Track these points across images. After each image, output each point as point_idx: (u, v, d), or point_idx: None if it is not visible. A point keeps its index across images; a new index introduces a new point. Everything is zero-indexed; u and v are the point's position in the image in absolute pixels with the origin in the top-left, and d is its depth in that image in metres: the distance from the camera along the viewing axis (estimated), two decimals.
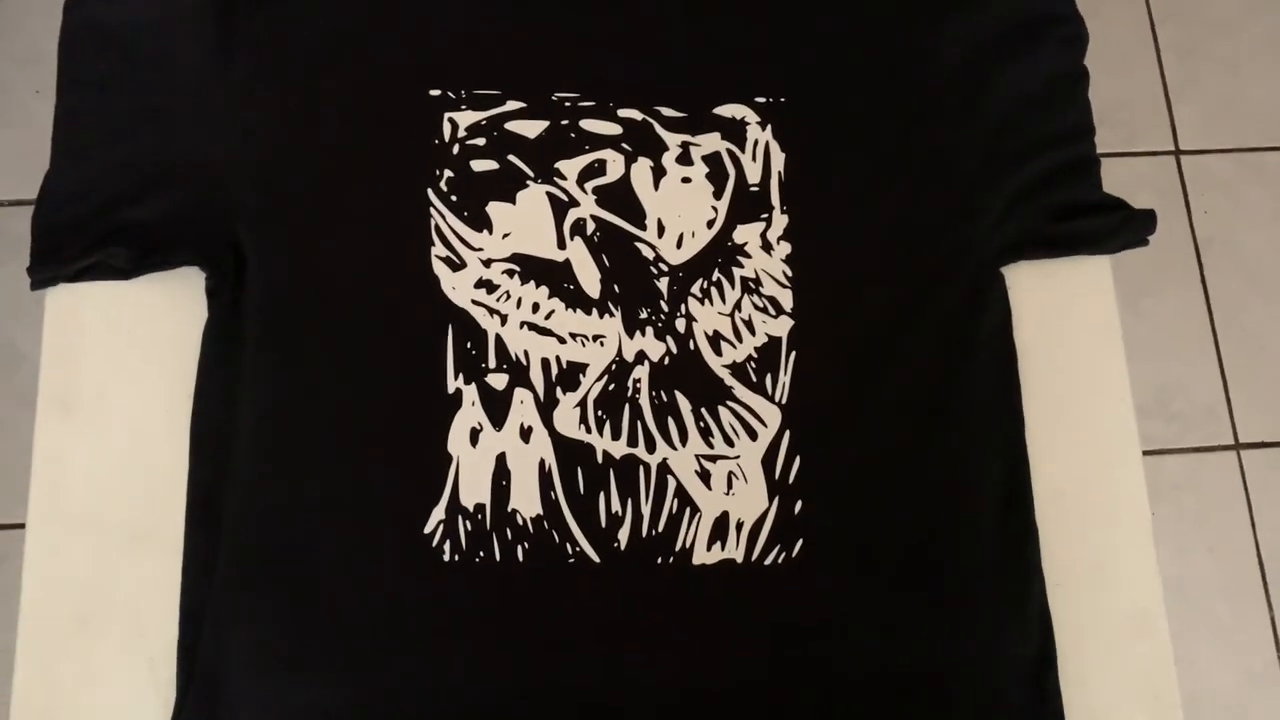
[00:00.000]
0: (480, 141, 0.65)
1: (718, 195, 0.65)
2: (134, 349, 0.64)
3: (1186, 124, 1.38)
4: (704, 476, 0.61)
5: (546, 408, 0.61)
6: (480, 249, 0.63)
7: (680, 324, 0.63)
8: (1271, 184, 1.36)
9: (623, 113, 0.66)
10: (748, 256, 0.64)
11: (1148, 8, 1.43)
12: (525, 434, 0.61)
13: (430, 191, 0.64)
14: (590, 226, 0.64)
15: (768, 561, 0.60)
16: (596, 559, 0.59)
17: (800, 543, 0.60)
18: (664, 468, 0.61)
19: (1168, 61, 1.40)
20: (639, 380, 0.62)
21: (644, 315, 0.63)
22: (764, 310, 0.64)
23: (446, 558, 0.59)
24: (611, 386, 0.62)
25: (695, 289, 0.64)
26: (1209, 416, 1.29)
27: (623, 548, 0.60)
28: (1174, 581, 1.19)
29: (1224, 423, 1.28)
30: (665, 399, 0.62)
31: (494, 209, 0.64)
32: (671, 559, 0.60)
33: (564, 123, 0.65)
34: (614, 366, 0.62)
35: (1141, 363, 1.29)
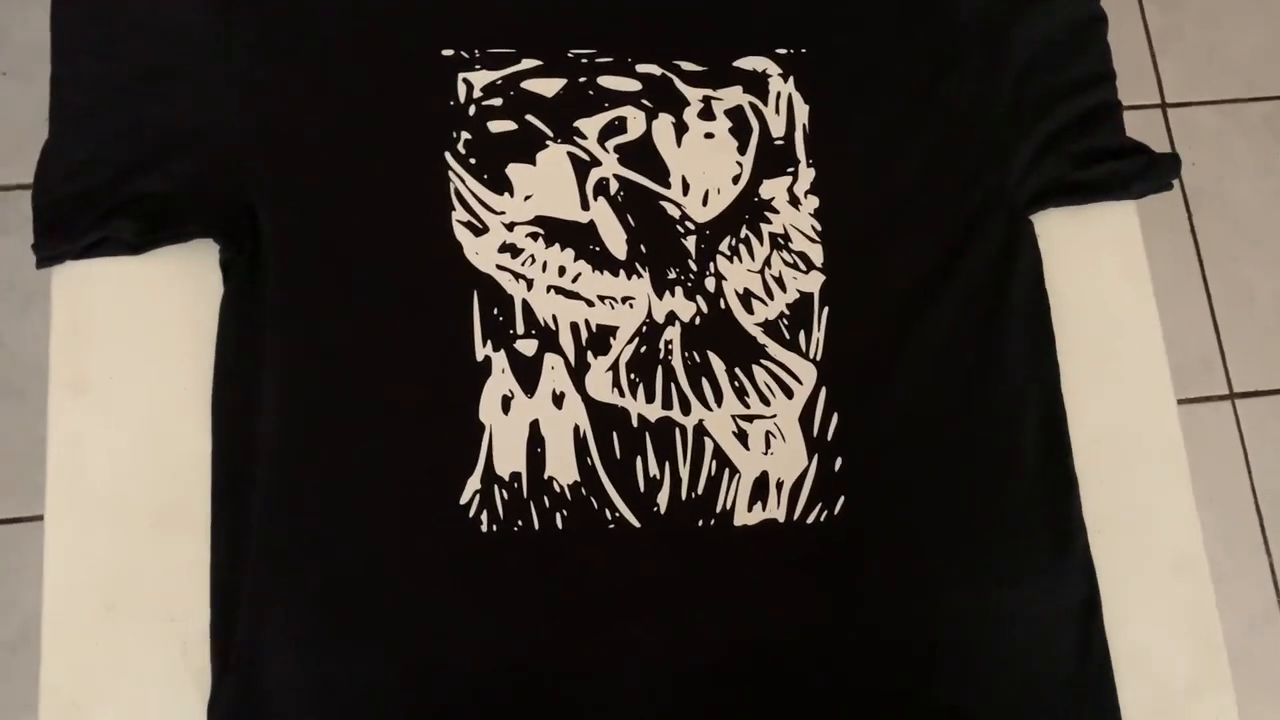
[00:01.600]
0: (497, 102, 0.63)
1: (742, 150, 0.64)
2: (146, 326, 0.61)
3: (1171, 76, 1.38)
4: (741, 437, 0.60)
5: (578, 372, 0.60)
6: (502, 212, 0.62)
7: (710, 283, 0.62)
8: (1257, 134, 1.37)
9: (641, 68, 0.64)
10: (775, 212, 0.63)
11: None
12: (558, 400, 0.59)
13: (448, 154, 0.62)
14: (614, 186, 0.62)
15: (810, 520, 0.59)
16: (637, 524, 0.58)
17: (842, 500, 0.59)
18: (700, 429, 0.60)
19: (1150, 14, 1.40)
20: (670, 341, 0.61)
21: (673, 275, 0.62)
22: (794, 266, 0.62)
23: (484, 528, 0.57)
24: (643, 349, 0.61)
25: (724, 246, 0.62)
26: (1203, 367, 1.30)
27: (663, 511, 0.58)
28: None
29: (1218, 373, 1.29)
30: (698, 359, 0.61)
31: (514, 171, 0.62)
32: (713, 521, 0.59)
33: (582, 80, 0.64)
34: (644, 328, 0.61)
35: None
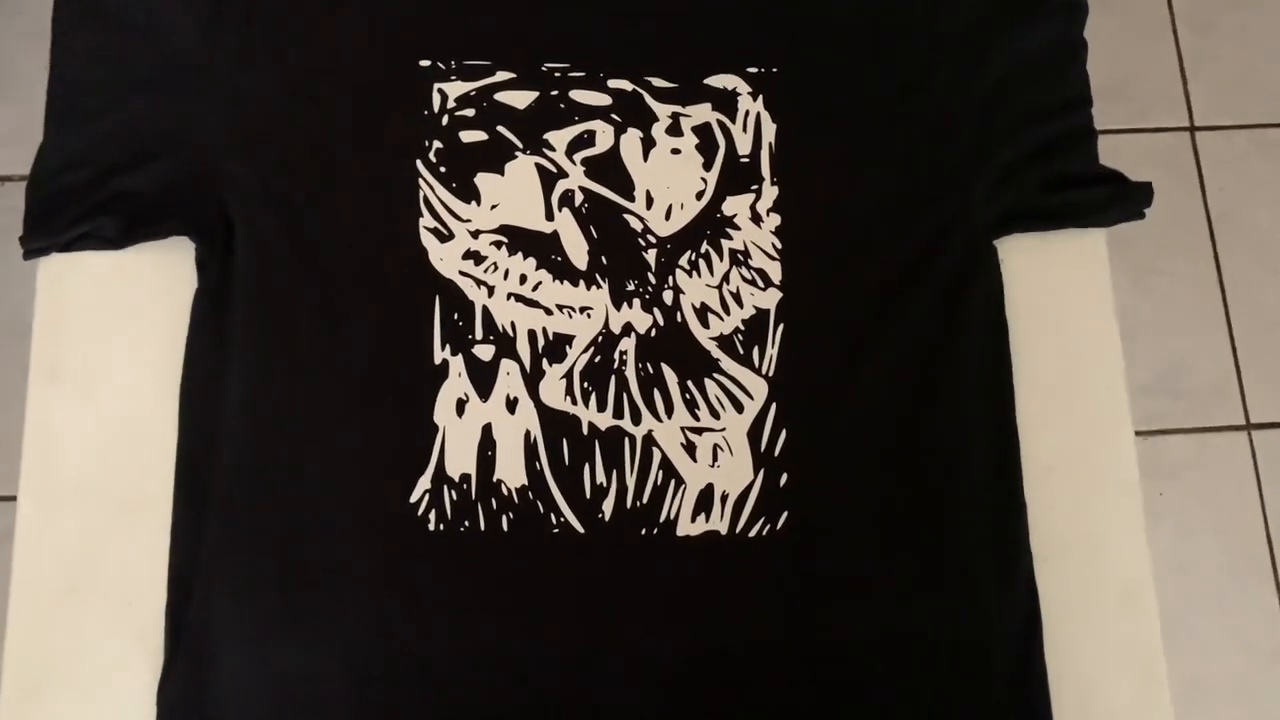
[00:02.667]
0: (469, 112, 0.64)
1: (707, 166, 0.65)
2: (124, 319, 0.64)
3: (1202, 100, 1.36)
4: (689, 449, 0.61)
5: (533, 379, 0.61)
6: (468, 220, 0.63)
7: (668, 296, 0.63)
8: None
9: (613, 83, 0.65)
10: (737, 228, 0.64)
11: None
12: (511, 405, 0.61)
13: (419, 162, 0.64)
14: (579, 198, 0.64)
15: (752, 534, 0.60)
16: (581, 530, 0.59)
17: (785, 515, 0.60)
18: (649, 439, 0.61)
19: (1183, 36, 1.38)
20: (625, 352, 0.62)
21: (631, 287, 0.63)
22: (752, 282, 0.63)
23: (432, 527, 0.59)
24: (598, 358, 0.62)
25: (683, 261, 0.63)
26: (1219, 396, 1.27)
27: (607, 519, 0.60)
28: (1179, 563, 1.18)
29: (1235, 402, 1.27)
30: (651, 371, 0.62)
31: (482, 180, 0.64)
32: (656, 530, 0.60)
33: (554, 93, 0.65)
34: (601, 338, 0.62)
35: (1151, 340, 1.29)
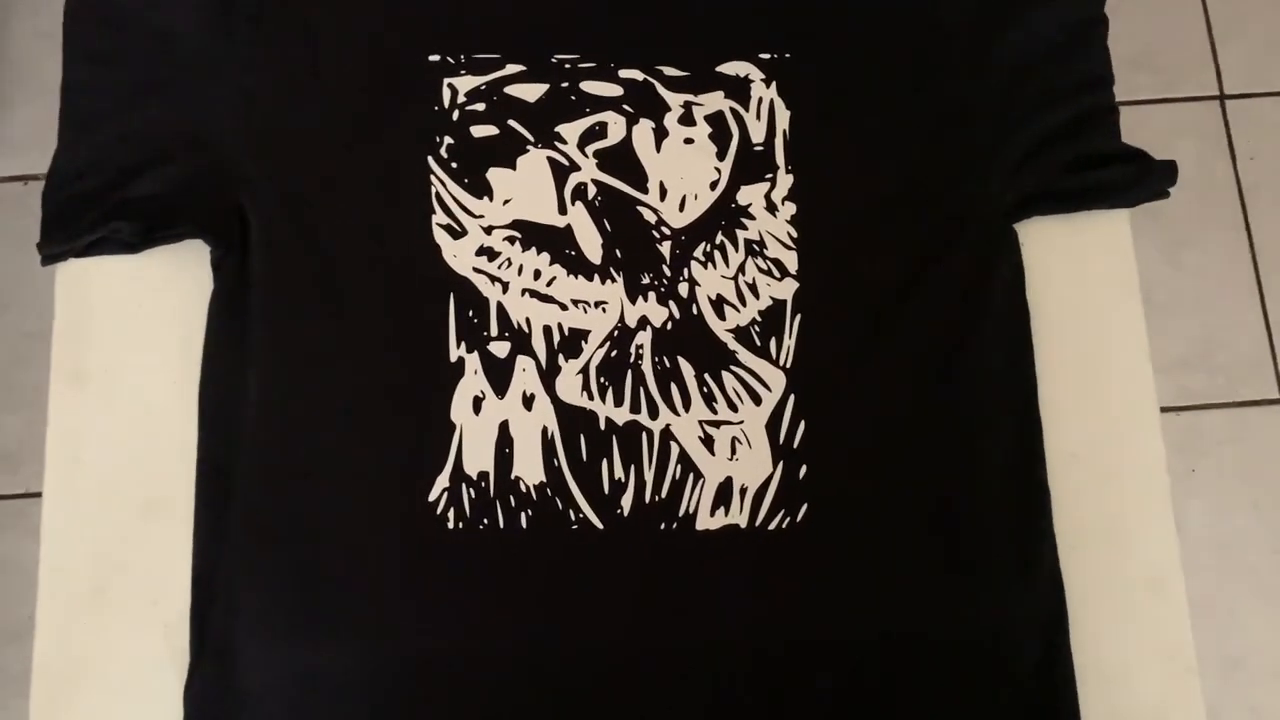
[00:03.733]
0: (480, 106, 0.64)
1: (721, 156, 0.64)
2: (144, 321, 0.64)
3: (1231, 67, 1.33)
4: (707, 442, 0.61)
5: (549, 375, 0.61)
6: (481, 216, 0.63)
7: (683, 288, 0.62)
8: None
9: (624, 73, 0.65)
10: (751, 218, 0.63)
11: None
12: (528, 402, 0.61)
13: (430, 158, 0.63)
14: (591, 191, 0.63)
15: (771, 527, 0.59)
16: (600, 525, 0.59)
17: (805, 507, 0.60)
18: (667, 433, 0.60)
19: (1212, 4, 1.35)
20: (641, 346, 0.62)
21: (646, 280, 0.62)
22: (768, 273, 0.63)
23: (450, 525, 0.59)
24: (614, 353, 0.61)
25: (698, 253, 0.63)
26: (1254, 370, 1.25)
27: (626, 514, 0.59)
28: (1216, 539, 1.16)
29: (1269, 376, 1.25)
30: (668, 364, 0.61)
31: (494, 175, 0.63)
32: (675, 525, 0.59)
33: (564, 85, 0.64)
34: (616, 332, 0.62)
35: (1184, 315, 1.27)
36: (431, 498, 0.59)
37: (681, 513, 0.60)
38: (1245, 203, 1.29)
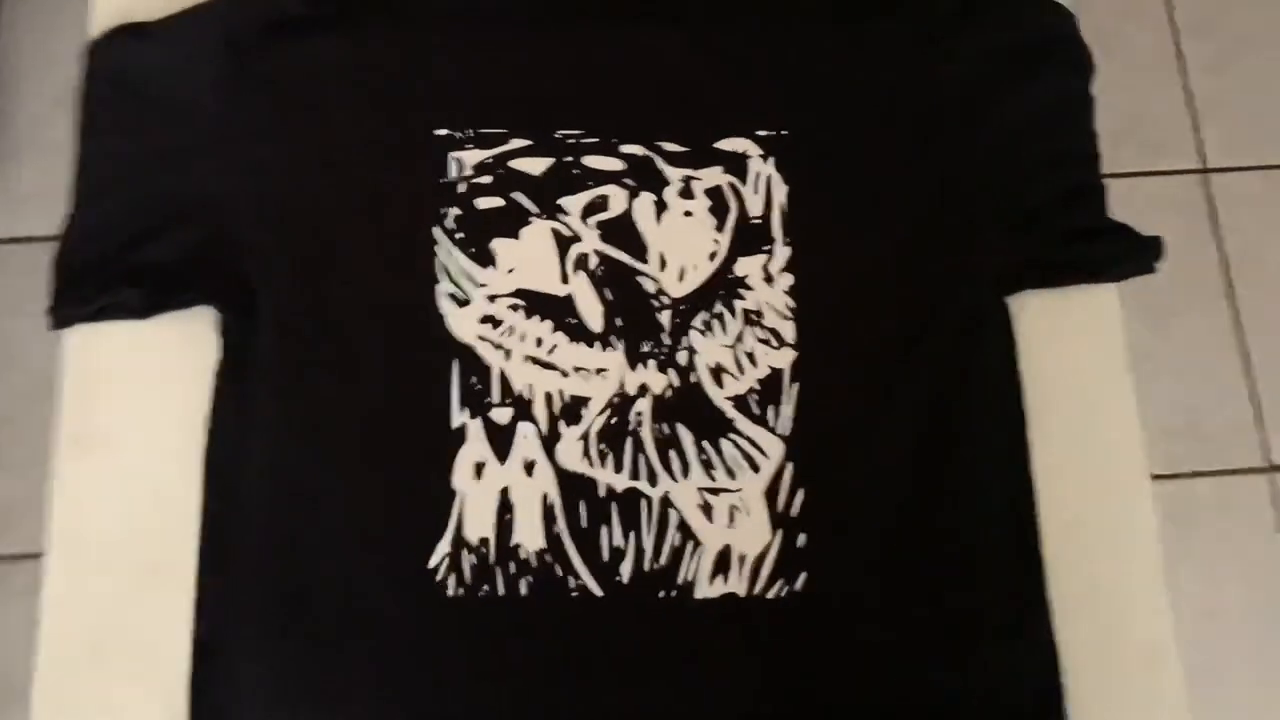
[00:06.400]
0: (485, 180, 0.66)
1: (719, 228, 0.66)
2: (150, 386, 0.65)
3: (1214, 141, 1.36)
4: (706, 510, 0.61)
5: (549, 441, 0.62)
6: (485, 285, 0.64)
7: (682, 357, 0.63)
8: None
9: (625, 148, 0.66)
10: (749, 289, 0.65)
11: (1172, 22, 1.41)
12: (529, 468, 0.61)
13: (436, 229, 0.65)
14: (593, 261, 0.65)
15: (770, 595, 0.60)
16: (599, 593, 0.60)
17: (804, 576, 0.60)
18: (666, 501, 0.61)
19: (1194, 77, 1.39)
20: (641, 413, 0.63)
21: (646, 348, 0.63)
22: (766, 342, 0.64)
23: (450, 592, 0.59)
24: (614, 420, 0.62)
25: (697, 322, 0.64)
26: (1240, 438, 1.27)
27: (625, 581, 0.60)
28: (1204, 609, 1.17)
29: (1254, 445, 1.26)
30: (667, 432, 0.62)
31: (499, 245, 0.65)
32: (674, 593, 0.60)
33: (567, 159, 0.66)
34: (616, 400, 0.63)
35: (1171, 384, 1.28)
36: (432, 564, 0.60)
37: (680, 580, 0.60)
38: (1230, 274, 1.32)
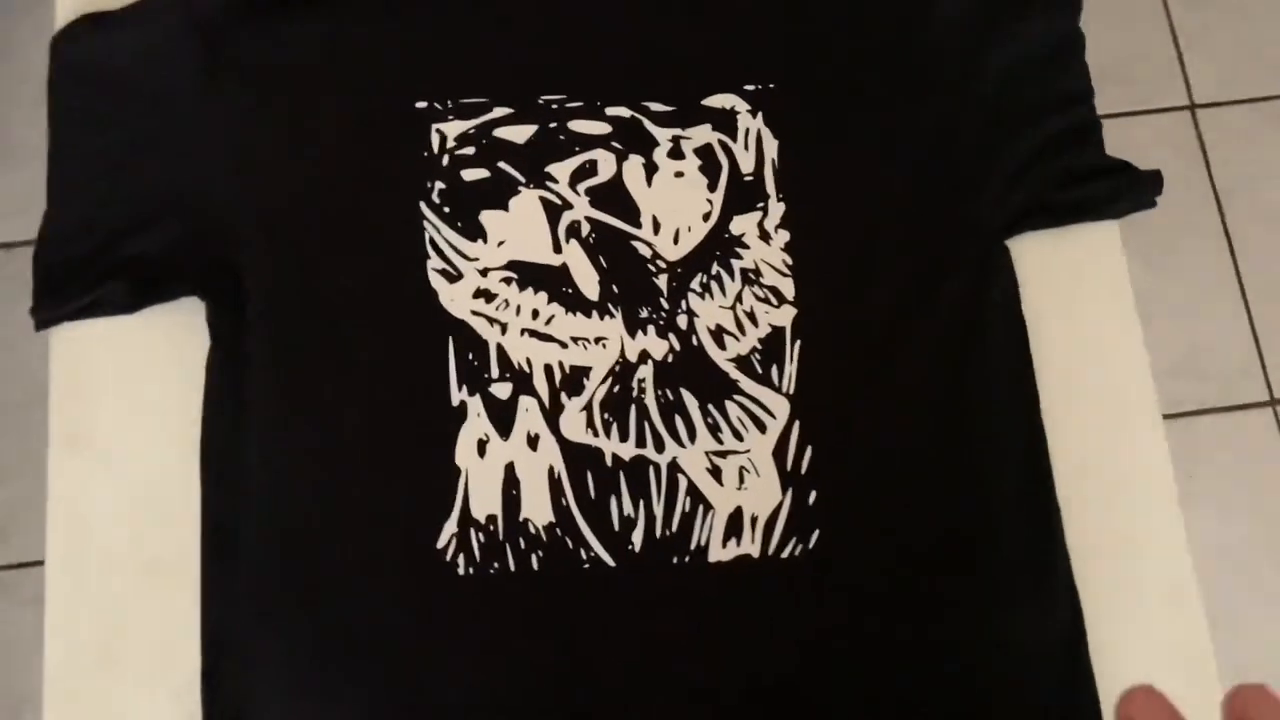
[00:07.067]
0: (469, 150, 0.64)
1: (712, 188, 0.64)
2: (141, 382, 0.64)
3: (1200, 76, 1.35)
4: (715, 473, 0.60)
5: (552, 414, 0.61)
6: (476, 259, 0.63)
7: (682, 320, 0.62)
8: None
9: (611, 110, 0.65)
10: (746, 247, 0.63)
11: None
12: (533, 442, 0.60)
13: (423, 204, 0.63)
14: (585, 228, 0.63)
15: (784, 555, 0.59)
16: (612, 563, 0.59)
17: (817, 534, 0.59)
18: (674, 466, 0.60)
19: (1176, 13, 1.38)
20: (643, 380, 0.62)
21: (645, 314, 0.62)
22: (766, 300, 0.63)
23: (461, 571, 0.58)
24: (616, 388, 0.61)
25: (695, 284, 0.63)
26: (1242, 373, 1.26)
27: (638, 550, 0.59)
28: (1217, 546, 1.17)
29: (1258, 379, 1.26)
30: (671, 397, 0.61)
31: (487, 217, 0.63)
32: (688, 558, 0.59)
33: (552, 125, 0.65)
34: (618, 368, 0.62)
35: (1169, 322, 1.28)
36: (440, 544, 0.59)
37: (693, 546, 0.59)
38: (1222, 208, 1.31)
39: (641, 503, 0.60)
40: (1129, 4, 1.37)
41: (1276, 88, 1.34)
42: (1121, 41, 1.34)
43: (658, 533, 0.59)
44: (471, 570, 0.58)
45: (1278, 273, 1.29)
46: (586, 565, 0.59)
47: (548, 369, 0.61)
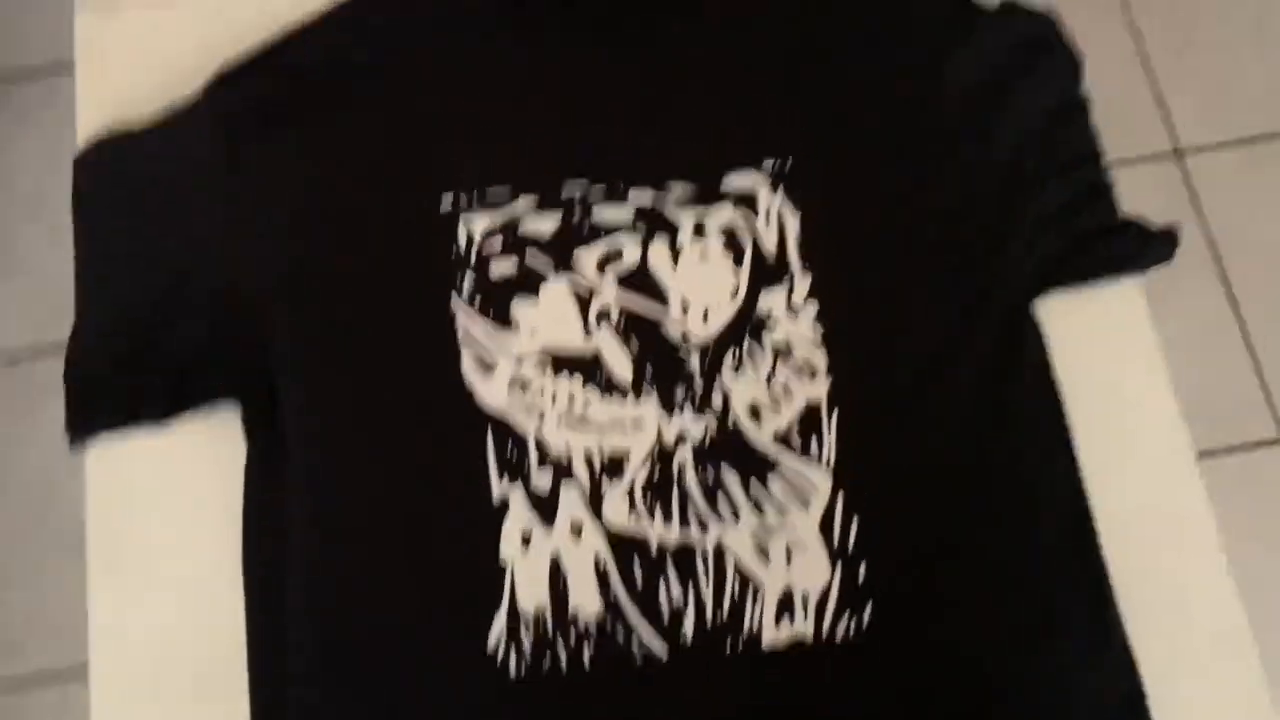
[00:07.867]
0: (496, 243, 0.65)
1: (737, 264, 0.65)
2: (177, 497, 0.63)
3: (1184, 122, 1.38)
4: (762, 552, 0.60)
5: (594, 501, 0.60)
6: (509, 349, 0.63)
7: (716, 399, 0.62)
8: (1277, 169, 1.36)
9: (633, 194, 0.65)
10: (776, 321, 0.64)
11: (1124, 4, 1.42)
12: (576, 531, 0.60)
13: (453, 298, 0.63)
14: (615, 313, 0.64)
15: (839, 636, 0.58)
16: (664, 657, 0.58)
17: (869, 609, 0.59)
18: (720, 548, 0.60)
19: (1156, 58, 1.40)
20: (683, 461, 0.61)
21: (679, 395, 0.62)
22: (799, 373, 0.63)
23: (512, 674, 0.57)
24: (656, 471, 0.61)
25: (727, 361, 0.63)
26: (1251, 413, 1.27)
27: (689, 640, 0.58)
28: (1242, 582, 1.17)
29: (1265, 417, 1.26)
30: (712, 477, 0.61)
31: (518, 308, 0.64)
32: (741, 646, 0.58)
33: (577, 212, 0.65)
34: (656, 450, 0.61)
35: (1175, 367, 1.28)
36: (490, 643, 0.58)
37: (745, 631, 0.59)
38: (1218, 251, 1.33)
39: (690, 588, 0.59)
40: (1104, 52, 1.40)
41: (1262, 126, 1.37)
42: (1100, 91, 1.36)
43: (709, 620, 0.59)
44: (523, 671, 0.58)
45: (1276, 309, 1.30)
46: (639, 663, 0.58)
47: (587, 455, 0.61)
